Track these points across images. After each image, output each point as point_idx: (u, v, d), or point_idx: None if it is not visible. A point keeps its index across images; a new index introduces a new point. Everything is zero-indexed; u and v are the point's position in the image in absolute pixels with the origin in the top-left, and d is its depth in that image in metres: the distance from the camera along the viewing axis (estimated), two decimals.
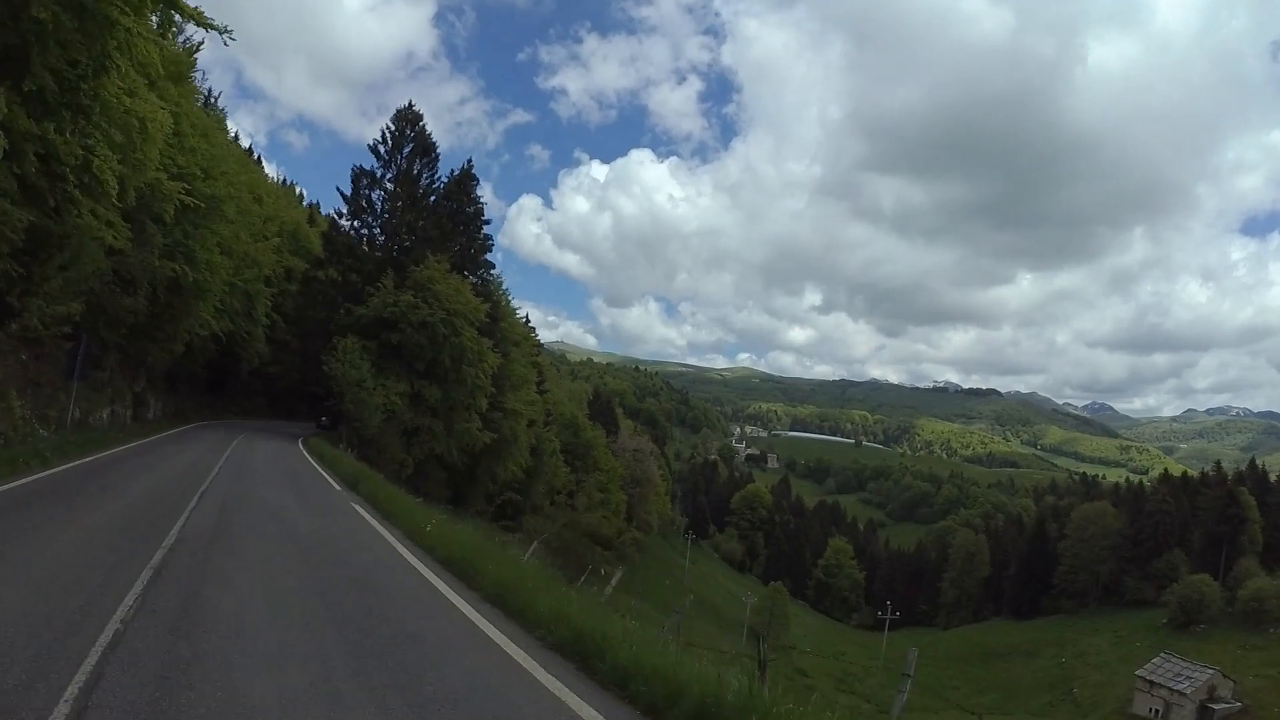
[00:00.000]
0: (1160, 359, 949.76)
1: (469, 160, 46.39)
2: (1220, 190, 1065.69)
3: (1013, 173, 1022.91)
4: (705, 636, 68.13)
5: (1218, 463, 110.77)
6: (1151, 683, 64.00)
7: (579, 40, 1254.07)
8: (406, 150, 42.43)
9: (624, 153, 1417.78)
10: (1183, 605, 78.73)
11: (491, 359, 39.64)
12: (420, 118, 43.30)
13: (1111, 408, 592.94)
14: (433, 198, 43.06)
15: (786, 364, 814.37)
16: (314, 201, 59.61)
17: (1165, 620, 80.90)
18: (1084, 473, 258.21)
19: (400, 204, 41.93)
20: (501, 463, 47.44)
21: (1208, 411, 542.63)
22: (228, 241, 31.17)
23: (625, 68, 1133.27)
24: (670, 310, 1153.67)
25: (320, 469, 23.00)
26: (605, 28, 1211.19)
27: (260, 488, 16.51)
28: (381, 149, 42.16)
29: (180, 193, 22.58)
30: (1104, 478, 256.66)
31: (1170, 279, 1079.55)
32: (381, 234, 42.22)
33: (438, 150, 43.70)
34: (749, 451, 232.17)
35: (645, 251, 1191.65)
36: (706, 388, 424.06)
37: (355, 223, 42.66)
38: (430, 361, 37.67)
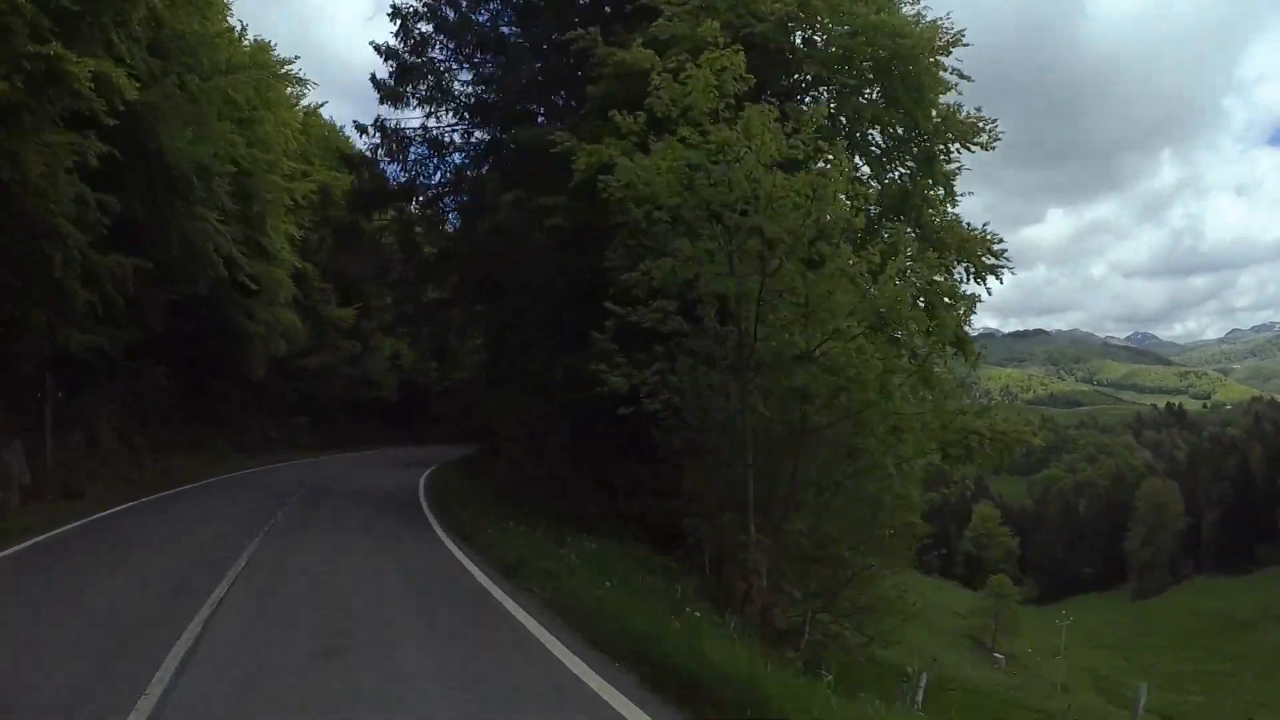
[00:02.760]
0: (1198, 281, 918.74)
1: None
2: (1246, 102, 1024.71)
3: (1035, 108, 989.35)
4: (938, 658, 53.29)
5: None
6: None
7: None
8: None
9: None
10: None
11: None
12: None
13: (1155, 336, 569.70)
14: None
15: None
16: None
17: None
18: (1169, 403, 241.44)
19: None
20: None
21: (1254, 329, 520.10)
22: None
23: None
24: None
25: None
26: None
27: None
28: None
29: None
30: (1180, 405, 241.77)
31: (1201, 198, 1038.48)
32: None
33: None
34: None
35: None
36: None
37: None
38: None
